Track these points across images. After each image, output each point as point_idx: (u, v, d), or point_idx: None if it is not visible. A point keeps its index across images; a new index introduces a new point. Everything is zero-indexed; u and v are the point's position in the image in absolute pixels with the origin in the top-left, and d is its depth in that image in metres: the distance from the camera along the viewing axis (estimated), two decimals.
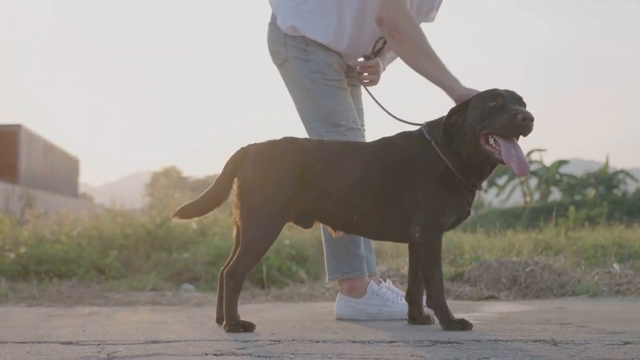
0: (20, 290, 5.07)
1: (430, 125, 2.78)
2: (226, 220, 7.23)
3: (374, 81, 3.35)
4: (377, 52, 3.29)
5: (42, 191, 20.27)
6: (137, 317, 3.55)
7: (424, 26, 3.38)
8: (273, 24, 3.31)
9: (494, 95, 2.62)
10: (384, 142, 2.83)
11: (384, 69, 3.40)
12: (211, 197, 2.82)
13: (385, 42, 3.22)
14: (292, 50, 3.24)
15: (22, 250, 6.03)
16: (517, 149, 2.58)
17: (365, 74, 3.34)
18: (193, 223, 6.93)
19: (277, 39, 3.29)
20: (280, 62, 3.29)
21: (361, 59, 3.31)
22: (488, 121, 2.59)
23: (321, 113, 3.19)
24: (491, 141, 2.61)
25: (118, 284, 5.45)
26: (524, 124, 2.52)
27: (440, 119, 2.78)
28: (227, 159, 2.81)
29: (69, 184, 26.68)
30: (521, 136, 2.61)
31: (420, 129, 2.80)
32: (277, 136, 2.84)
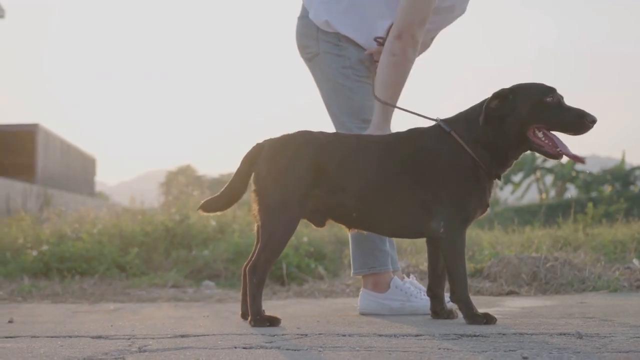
0: (43, 287, 5.13)
1: (447, 121, 2.80)
2: (245, 218, 7.27)
3: None
4: None
5: (59, 190, 20.39)
6: (162, 312, 3.59)
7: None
8: (304, 17, 3.32)
9: (548, 89, 2.66)
10: (399, 137, 2.83)
11: None
12: (230, 192, 2.87)
13: None
14: (324, 44, 3.26)
15: (44, 248, 6.09)
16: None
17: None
18: (212, 220, 6.97)
19: (307, 32, 3.30)
20: (311, 56, 3.31)
21: (374, 45, 3.25)
22: (547, 115, 2.63)
23: (352, 108, 3.22)
24: (540, 135, 2.66)
25: (139, 281, 5.50)
26: (591, 126, 2.60)
27: (459, 115, 2.79)
28: (244, 155, 2.85)
29: (85, 183, 26.83)
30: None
31: (436, 125, 2.82)
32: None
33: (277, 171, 2.72)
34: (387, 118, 3.05)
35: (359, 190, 2.74)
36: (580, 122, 2.61)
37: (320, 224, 2.84)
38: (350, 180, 2.74)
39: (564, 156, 2.66)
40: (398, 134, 2.86)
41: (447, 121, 2.79)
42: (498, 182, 2.82)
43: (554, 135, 2.67)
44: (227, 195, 2.87)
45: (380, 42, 3.22)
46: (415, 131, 2.85)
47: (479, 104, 2.77)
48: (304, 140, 2.78)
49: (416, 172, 2.73)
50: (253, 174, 2.78)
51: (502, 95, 2.68)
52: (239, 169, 2.84)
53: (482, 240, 6.54)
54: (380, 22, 3.20)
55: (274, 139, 2.81)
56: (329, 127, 3.26)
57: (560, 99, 2.66)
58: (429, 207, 2.71)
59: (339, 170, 2.74)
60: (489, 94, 2.72)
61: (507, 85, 2.74)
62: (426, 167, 2.72)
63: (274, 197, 2.71)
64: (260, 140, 2.84)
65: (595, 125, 2.61)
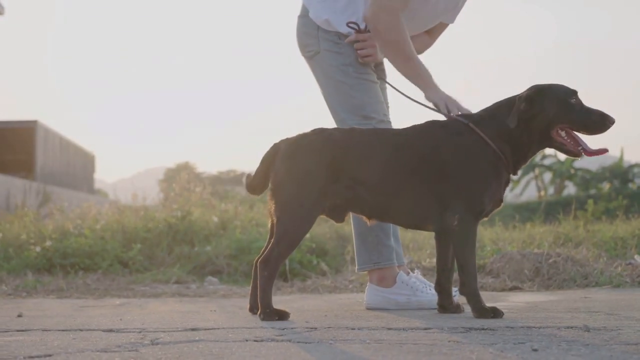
0: (47, 283, 5.15)
1: (467, 117, 2.83)
2: (247, 214, 7.29)
3: (372, 55, 3.27)
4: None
5: (58, 187, 20.38)
6: (169, 307, 3.61)
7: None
8: (304, 16, 3.34)
9: (571, 91, 2.75)
10: (417, 130, 2.85)
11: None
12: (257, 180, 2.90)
13: None
14: (324, 42, 3.28)
15: (47, 243, 6.10)
16: None
17: (362, 49, 3.25)
18: (214, 216, 6.99)
19: (308, 31, 3.33)
20: (311, 54, 3.33)
21: (351, 31, 3.25)
22: (573, 117, 2.72)
23: (352, 105, 3.23)
24: (562, 134, 2.75)
25: (142, 276, 5.51)
26: (610, 127, 2.71)
27: (480, 112, 2.83)
28: (262, 155, 2.88)
29: (85, 180, 26.81)
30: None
31: (455, 119, 2.84)
32: (287, 134, 2.91)
33: (294, 170, 2.74)
34: (427, 85, 3.08)
35: (377, 183, 2.76)
36: (602, 123, 2.72)
37: (339, 219, 2.86)
38: (368, 173, 2.76)
39: (583, 154, 2.74)
40: (415, 126, 2.88)
41: (466, 117, 2.83)
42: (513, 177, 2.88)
43: (576, 135, 2.75)
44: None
45: (355, 27, 3.24)
46: (435, 124, 2.87)
47: (502, 102, 2.82)
48: (319, 137, 2.80)
49: (434, 165, 2.75)
50: (271, 174, 2.80)
51: (527, 99, 2.74)
52: (257, 170, 2.88)
53: (483, 236, 6.56)
54: None
55: (290, 138, 2.84)
56: (329, 125, 3.28)
57: (580, 100, 2.76)
58: (445, 199, 2.74)
59: (356, 164, 2.76)
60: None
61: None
62: (445, 160, 2.75)
63: (290, 194, 2.73)
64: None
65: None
